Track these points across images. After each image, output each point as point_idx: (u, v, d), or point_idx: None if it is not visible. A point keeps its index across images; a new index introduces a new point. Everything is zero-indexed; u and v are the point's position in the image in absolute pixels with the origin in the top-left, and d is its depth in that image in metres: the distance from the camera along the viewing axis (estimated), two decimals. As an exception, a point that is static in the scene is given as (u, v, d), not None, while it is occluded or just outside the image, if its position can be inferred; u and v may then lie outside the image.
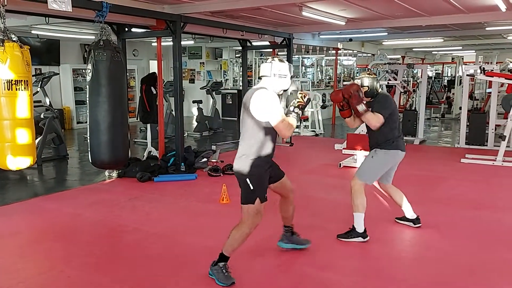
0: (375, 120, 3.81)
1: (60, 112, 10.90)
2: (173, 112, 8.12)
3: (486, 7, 6.75)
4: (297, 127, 10.76)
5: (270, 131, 3.12)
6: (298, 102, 3.16)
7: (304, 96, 3.20)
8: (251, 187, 3.10)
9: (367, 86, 3.95)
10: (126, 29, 6.86)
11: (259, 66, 15.56)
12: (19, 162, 4.11)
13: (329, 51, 14.27)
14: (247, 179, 3.10)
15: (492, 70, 8.43)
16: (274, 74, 3.14)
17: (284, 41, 9.40)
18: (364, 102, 3.85)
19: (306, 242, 3.77)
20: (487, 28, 9.80)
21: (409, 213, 4.33)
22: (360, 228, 3.91)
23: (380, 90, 4.05)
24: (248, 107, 3.09)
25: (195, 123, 11.36)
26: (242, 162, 3.13)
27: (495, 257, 3.68)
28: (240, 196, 3.18)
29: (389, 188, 4.28)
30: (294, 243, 3.73)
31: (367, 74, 4.03)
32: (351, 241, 3.90)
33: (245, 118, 3.15)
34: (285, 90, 3.23)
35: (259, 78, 3.27)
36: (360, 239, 3.90)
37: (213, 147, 7.39)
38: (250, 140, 3.11)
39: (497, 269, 3.46)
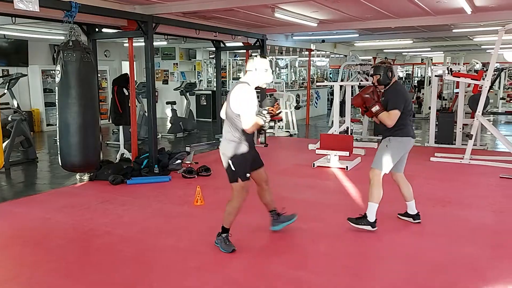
0: (390, 119, 4.02)
1: (29, 114, 10.62)
2: (146, 114, 8.04)
3: (452, 9, 6.97)
4: (271, 127, 10.82)
5: None
6: (270, 109, 3.51)
7: (278, 109, 3.58)
8: (233, 168, 3.58)
9: (379, 74, 4.12)
10: (97, 29, 6.76)
11: (233, 67, 15.60)
12: (-15, 166, 4.00)
13: (302, 52, 14.41)
14: (230, 161, 3.58)
15: (459, 71, 8.70)
16: (255, 69, 3.58)
17: (258, 42, 9.45)
18: (378, 101, 4.07)
19: (293, 216, 4.16)
20: (453, 30, 10.10)
21: (411, 209, 4.43)
22: (371, 218, 4.05)
23: (394, 78, 4.19)
24: (229, 99, 3.54)
25: (169, 125, 11.27)
26: (226, 146, 3.60)
27: (462, 253, 3.79)
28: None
29: (400, 179, 4.37)
30: (284, 221, 4.13)
31: (381, 62, 4.22)
32: (361, 227, 4.05)
33: (227, 108, 3.59)
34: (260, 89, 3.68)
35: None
36: (369, 227, 4.06)
37: (187, 149, 7.36)
38: (232, 127, 3.57)
39: (464, 264, 3.58)
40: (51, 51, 11.84)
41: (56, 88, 4.87)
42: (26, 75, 9.71)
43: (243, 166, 3.62)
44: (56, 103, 4.91)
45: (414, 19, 7.94)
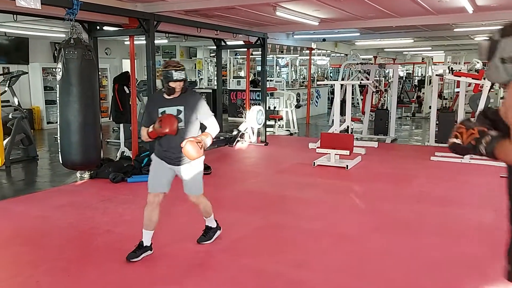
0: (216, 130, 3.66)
1: (30, 112, 10.61)
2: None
3: (454, 9, 6.96)
4: (272, 126, 10.81)
5: None
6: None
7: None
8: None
9: (184, 80, 3.49)
10: (98, 27, 6.74)
11: (234, 66, 15.58)
12: (-15, 164, 3.99)
13: (303, 51, 14.38)
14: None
15: (460, 70, 8.69)
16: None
17: (259, 41, 9.42)
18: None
19: None
20: (455, 29, 10.09)
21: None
22: (214, 224, 4.00)
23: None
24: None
25: (169, 123, 11.24)
26: None
27: (463, 251, 3.79)
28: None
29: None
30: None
31: (174, 66, 3.45)
32: (215, 237, 3.96)
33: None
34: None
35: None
36: (219, 231, 4.01)
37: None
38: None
39: (465, 263, 3.58)
40: (52, 49, 11.81)
41: (57, 86, 4.86)
42: (26, 72, 9.67)
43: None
44: (57, 101, 4.91)
45: (415, 18, 7.93)
